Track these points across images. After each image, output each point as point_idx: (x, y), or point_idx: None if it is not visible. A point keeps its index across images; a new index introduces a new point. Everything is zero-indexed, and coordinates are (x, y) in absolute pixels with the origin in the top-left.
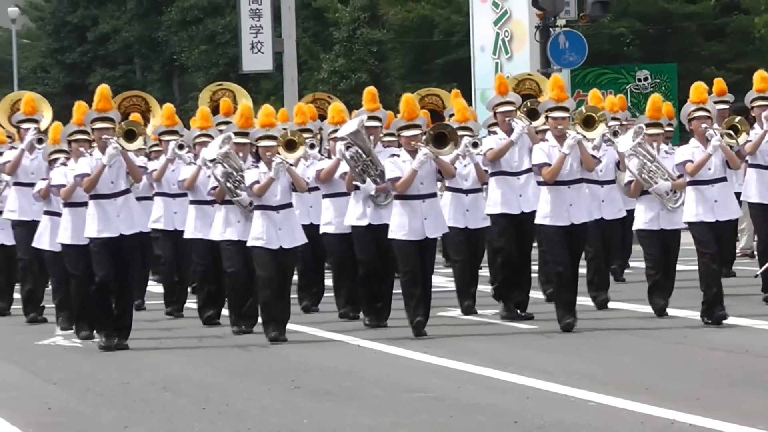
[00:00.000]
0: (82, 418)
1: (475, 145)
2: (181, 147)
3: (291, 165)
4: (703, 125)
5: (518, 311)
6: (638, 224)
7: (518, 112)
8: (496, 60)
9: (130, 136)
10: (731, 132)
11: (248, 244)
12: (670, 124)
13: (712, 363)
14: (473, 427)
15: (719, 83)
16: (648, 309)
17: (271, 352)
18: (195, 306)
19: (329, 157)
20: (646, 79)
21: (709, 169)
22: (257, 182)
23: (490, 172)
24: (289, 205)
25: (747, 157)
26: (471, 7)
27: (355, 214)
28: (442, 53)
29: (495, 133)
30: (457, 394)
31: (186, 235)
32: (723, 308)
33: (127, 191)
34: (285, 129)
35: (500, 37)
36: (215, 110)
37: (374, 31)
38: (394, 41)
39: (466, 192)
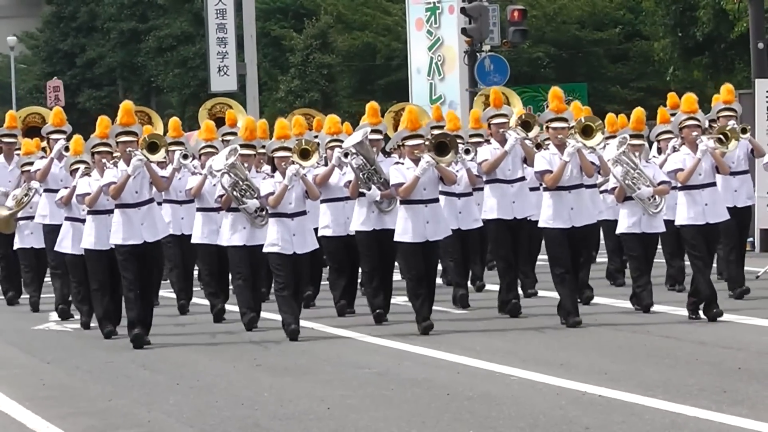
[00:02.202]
0: (72, 392)
1: (467, 151)
2: (185, 157)
3: (305, 174)
4: (694, 133)
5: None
6: (621, 228)
7: (510, 124)
8: (431, 81)
9: (153, 148)
10: (722, 138)
11: (264, 250)
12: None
13: (618, 342)
14: (411, 399)
15: (673, 97)
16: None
17: (236, 334)
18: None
19: (326, 164)
20: None
21: (700, 174)
22: (272, 193)
23: (485, 179)
24: (303, 213)
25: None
26: (408, 35)
27: (359, 219)
28: (383, 75)
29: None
30: (397, 370)
31: (193, 240)
32: (717, 306)
33: (150, 200)
34: (300, 139)
35: (434, 61)
36: (217, 122)
37: (325, 56)
38: (342, 65)
39: (459, 196)
